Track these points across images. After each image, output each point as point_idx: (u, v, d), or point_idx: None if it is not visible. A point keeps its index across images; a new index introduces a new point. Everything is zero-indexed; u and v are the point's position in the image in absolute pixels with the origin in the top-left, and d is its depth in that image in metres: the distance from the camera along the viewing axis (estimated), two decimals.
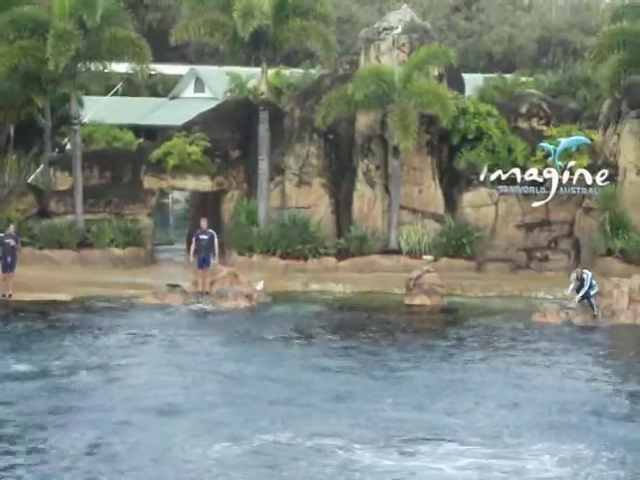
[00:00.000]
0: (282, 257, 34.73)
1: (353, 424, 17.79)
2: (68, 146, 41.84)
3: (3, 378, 20.83)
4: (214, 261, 30.88)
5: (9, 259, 30.29)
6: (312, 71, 46.14)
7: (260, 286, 31.08)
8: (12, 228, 31.03)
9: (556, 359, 24.12)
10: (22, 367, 21.87)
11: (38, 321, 27.21)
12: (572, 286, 28.72)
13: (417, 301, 30.41)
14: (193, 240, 31.13)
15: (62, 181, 37.02)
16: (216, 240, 30.94)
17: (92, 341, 24.92)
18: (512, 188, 35.66)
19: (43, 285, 31.07)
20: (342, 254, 35.09)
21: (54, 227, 35.34)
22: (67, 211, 36.30)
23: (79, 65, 35.60)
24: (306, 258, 34.74)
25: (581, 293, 28.32)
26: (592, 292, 28.35)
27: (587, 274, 28.55)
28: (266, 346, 24.81)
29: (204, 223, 31.17)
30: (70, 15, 34.54)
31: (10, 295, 30.05)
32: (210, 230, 31.07)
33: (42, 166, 39.70)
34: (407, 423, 18.00)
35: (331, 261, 34.93)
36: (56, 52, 33.36)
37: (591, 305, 28.31)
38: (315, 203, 36.54)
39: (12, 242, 30.43)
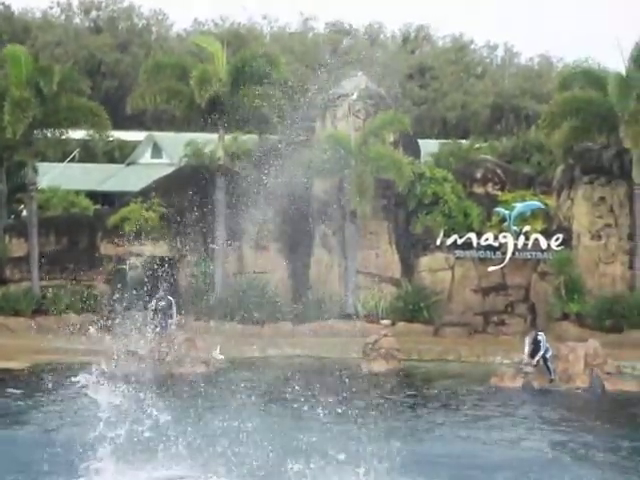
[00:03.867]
0: (239, 322, 34.66)
1: None
2: (24, 212, 41.72)
3: None
4: (172, 326, 30.72)
5: None
6: (268, 137, 46.39)
7: (217, 352, 30.97)
8: None
9: (509, 422, 24.14)
10: None
11: None
12: (527, 350, 28.85)
13: (375, 366, 30.35)
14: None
15: (18, 248, 36.84)
16: (174, 307, 30.83)
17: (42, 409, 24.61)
18: (468, 252, 35.95)
19: None
20: (299, 319, 35.09)
21: (9, 294, 35.11)
22: (23, 278, 36.11)
23: (36, 132, 35.58)
24: (263, 323, 34.68)
25: (537, 356, 28.42)
26: (548, 355, 28.47)
27: (542, 336, 28.70)
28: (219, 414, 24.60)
29: (161, 290, 31.07)
30: (27, 83, 34.62)
31: None
32: (168, 297, 30.97)
33: None
34: None
35: (288, 326, 34.89)
36: (13, 119, 33.38)
37: (548, 369, 28.39)
38: (272, 268, 36.57)
39: None
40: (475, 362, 31.95)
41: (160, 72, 36.29)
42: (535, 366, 28.60)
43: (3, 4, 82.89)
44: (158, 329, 30.55)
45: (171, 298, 31.02)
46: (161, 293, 30.85)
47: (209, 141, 44.24)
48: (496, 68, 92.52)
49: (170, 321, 30.66)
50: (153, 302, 30.95)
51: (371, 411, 25.20)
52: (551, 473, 19.05)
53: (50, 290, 35.34)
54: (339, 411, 24.65)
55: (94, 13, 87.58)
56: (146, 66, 37.11)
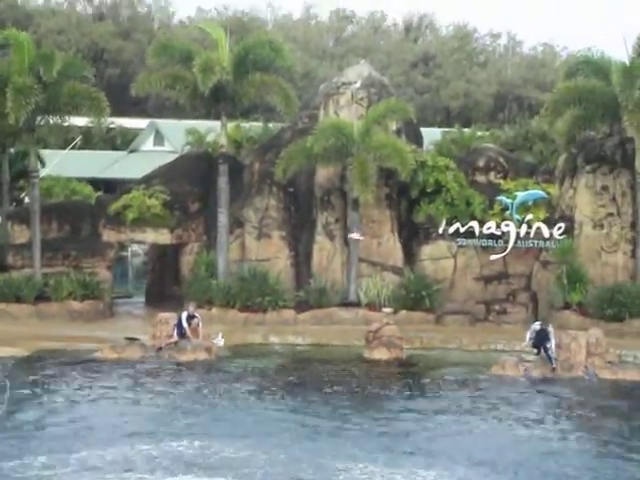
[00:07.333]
0: (241, 310, 34.68)
1: None
2: (26, 200, 41.72)
3: None
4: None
5: None
6: (271, 125, 46.38)
7: (219, 339, 30.93)
8: None
9: (510, 411, 24.26)
10: None
11: None
12: (528, 338, 28.89)
13: (376, 354, 30.34)
14: None
15: (20, 234, 36.84)
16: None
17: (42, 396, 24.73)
18: (470, 241, 35.91)
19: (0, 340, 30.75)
20: (301, 306, 35.10)
21: (11, 281, 35.06)
22: (25, 265, 36.03)
23: (38, 119, 35.49)
24: (265, 310, 34.69)
25: (551, 347, 28.29)
26: (549, 344, 28.44)
27: (551, 328, 28.67)
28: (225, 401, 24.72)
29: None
30: (29, 70, 34.56)
31: None
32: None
33: (0, 220, 39.52)
34: None
35: (290, 314, 34.90)
36: (16, 106, 33.32)
37: (549, 358, 28.37)
38: (275, 255, 36.59)
39: None
40: (476, 350, 31.92)
41: (166, 54, 36.06)
42: (537, 354, 28.63)
43: None
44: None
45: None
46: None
47: (212, 129, 44.24)
48: (499, 57, 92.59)
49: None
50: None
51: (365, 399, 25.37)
52: None
53: (52, 277, 35.29)
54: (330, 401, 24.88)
55: (97, 0, 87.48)
56: (153, 48, 36.95)
